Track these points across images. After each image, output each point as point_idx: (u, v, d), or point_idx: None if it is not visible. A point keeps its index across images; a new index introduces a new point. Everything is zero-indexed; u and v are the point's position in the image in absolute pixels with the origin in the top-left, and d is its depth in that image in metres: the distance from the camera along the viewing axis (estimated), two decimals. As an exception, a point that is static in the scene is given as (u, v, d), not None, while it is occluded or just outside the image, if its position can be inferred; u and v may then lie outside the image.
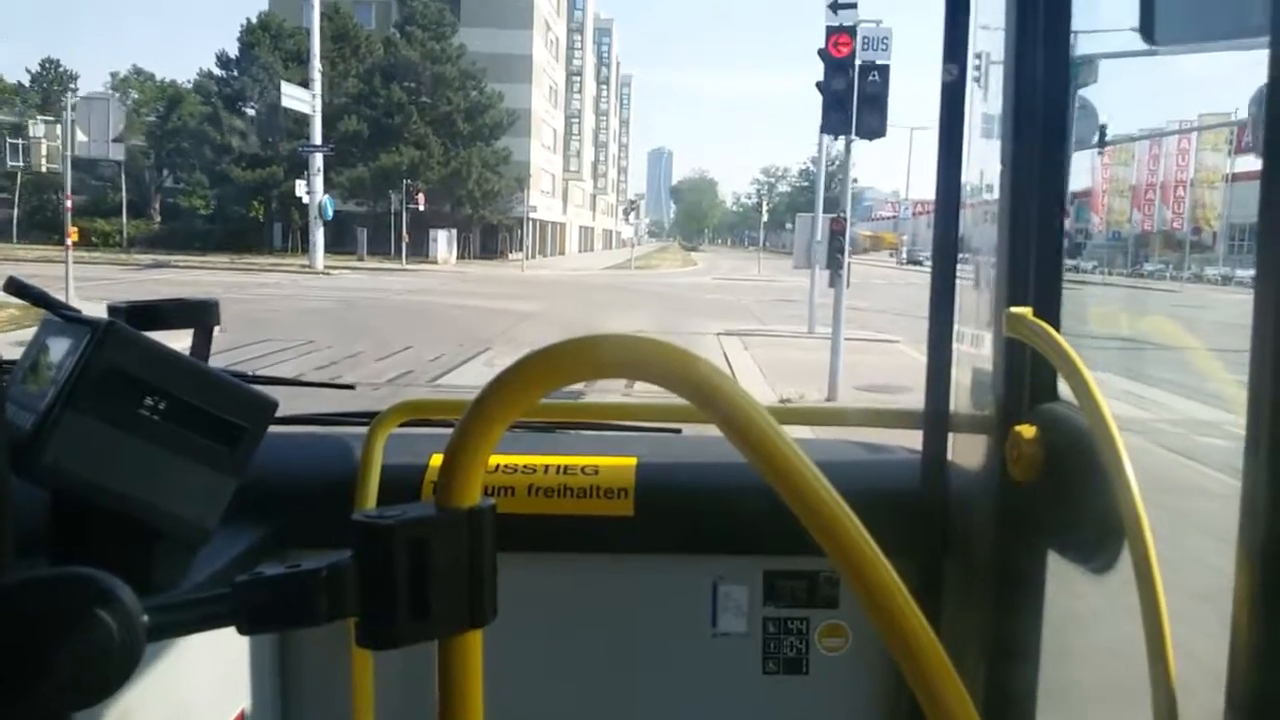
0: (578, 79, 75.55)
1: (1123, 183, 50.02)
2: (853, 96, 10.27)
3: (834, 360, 11.13)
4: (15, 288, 1.06)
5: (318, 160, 31.21)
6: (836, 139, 12.38)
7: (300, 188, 40.32)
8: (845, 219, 11.39)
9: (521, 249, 57.23)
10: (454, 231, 46.26)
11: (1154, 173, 52.15)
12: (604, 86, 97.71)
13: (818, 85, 10.80)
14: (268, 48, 44.49)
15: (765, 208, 55.57)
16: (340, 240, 45.74)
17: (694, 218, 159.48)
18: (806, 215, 17.89)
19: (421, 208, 42.76)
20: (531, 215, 56.39)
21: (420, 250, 44.00)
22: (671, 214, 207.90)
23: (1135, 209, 52.26)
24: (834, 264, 11.29)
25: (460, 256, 49.53)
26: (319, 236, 31.57)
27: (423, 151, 44.71)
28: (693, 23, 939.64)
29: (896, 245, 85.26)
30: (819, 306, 17.64)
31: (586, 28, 76.99)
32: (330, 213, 31.56)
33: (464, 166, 45.22)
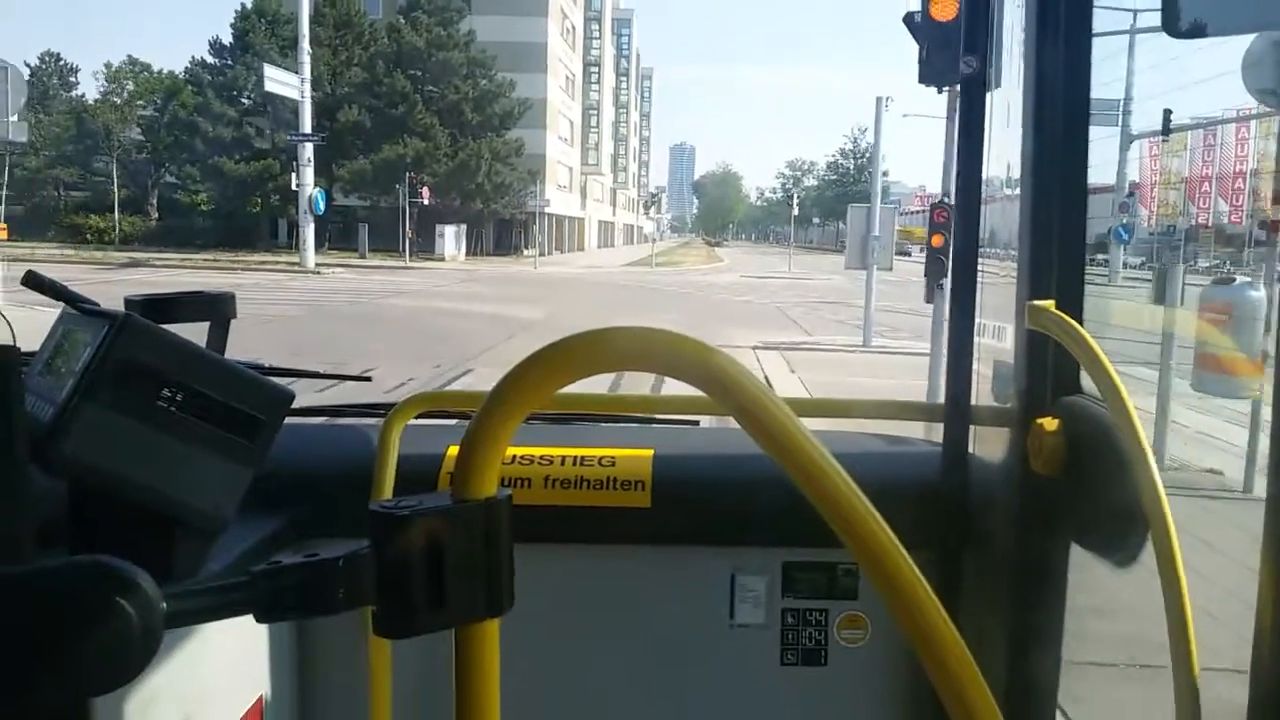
0: (595, 70, 72.58)
1: (1174, 175, 46.52)
2: (960, 29, 7.15)
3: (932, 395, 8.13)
4: (33, 282, 1.07)
5: (308, 150, 28.38)
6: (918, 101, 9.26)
7: (293, 178, 37.88)
8: (949, 206, 8.25)
9: (536, 245, 54.67)
10: (463, 227, 43.51)
11: (1209, 164, 48.53)
12: (623, 79, 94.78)
13: (906, 21, 7.77)
14: (263, 34, 41.86)
15: (795, 201, 52.11)
16: (347, 237, 43.38)
17: (717, 212, 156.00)
18: (861, 206, 14.86)
19: (426, 202, 40.05)
20: (546, 210, 53.77)
21: (429, 247, 41.41)
22: (694, 209, 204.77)
23: (1190, 202, 48.68)
24: (935, 269, 8.16)
25: (472, 253, 46.97)
26: (309, 233, 28.70)
27: (429, 143, 41.83)
28: (714, 17, 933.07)
29: (923, 239, 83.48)
30: (876, 314, 14.66)
31: (605, 16, 73.88)
32: (321, 206, 28.80)
33: (473, 158, 42.25)
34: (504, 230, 51.38)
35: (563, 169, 61.33)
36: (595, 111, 72.39)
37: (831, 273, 44.30)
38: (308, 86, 28.24)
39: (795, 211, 50.22)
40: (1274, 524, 0.64)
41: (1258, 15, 0.88)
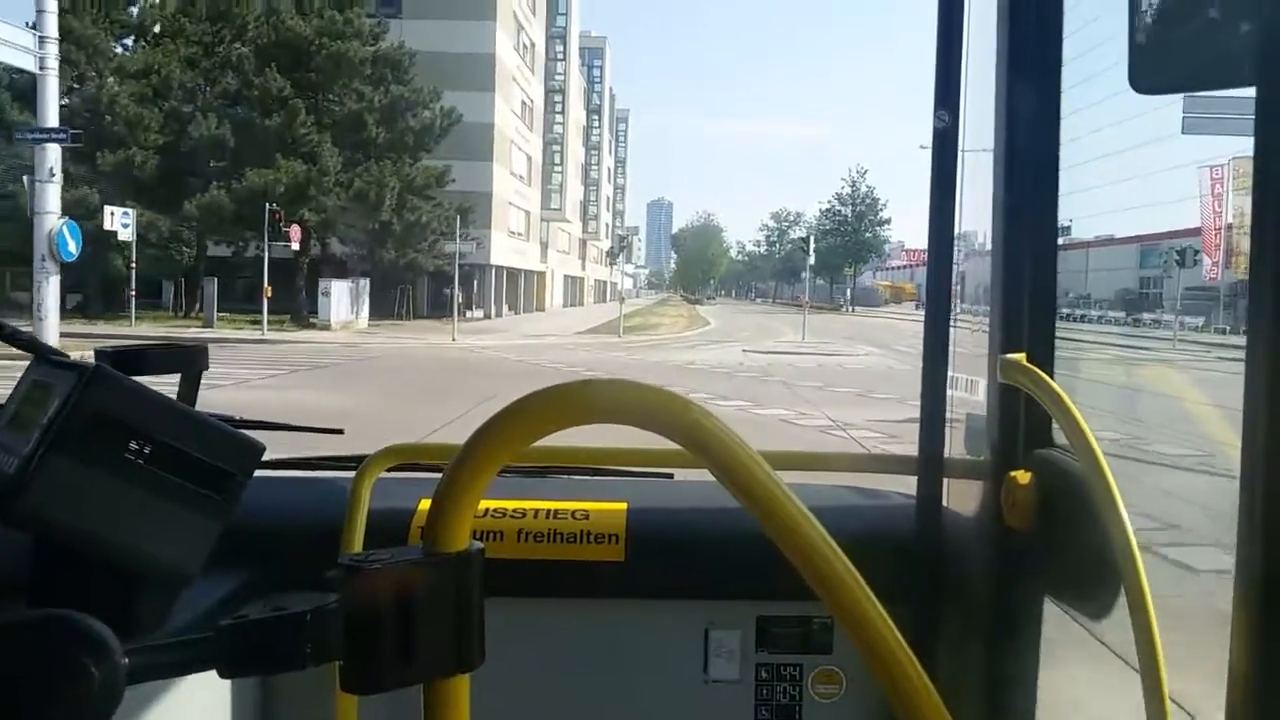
0: (559, 98, 62.18)
1: (1248, 216, 36.74)
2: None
3: None
4: (3, 333, 1.08)
5: (49, 158, 17.12)
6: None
7: (110, 217, 26.72)
8: None
9: (481, 303, 43.59)
10: (363, 283, 32.24)
11: (1295, 203, 38.57)
12: (595, 116, 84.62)
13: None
14: (92, 16, 30.80)
15: (810, 247, 40.91)
16: (251, 293, 32.45)
17: (697, 265, 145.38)
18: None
19: (295, 245, 28.77)
20: (492, 261, 42.75)
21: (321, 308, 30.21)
22: (672, 264, 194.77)
23: None
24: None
25: (395, 315, 35.81)
26: (49, 290, 17.34)
27: (313, 166, 30.67)
28: (691, 66, 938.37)
29: (915, 295, 77.31)
30: None
31: (571, 33, 63.64)
32: (70, 249, 17.58)
33: (372, 188, 31.06)
34: (444, 286, 40.38)
35: (517, 212, 50.36)
36: (559, 147, 61.76)
37: (853, 339, 33.63)
38: (53, 50, 17.06)
39: (811, 259, 38.98)
40: (1246, 560, 0.63)
41: (1220, 75, 0.87)
